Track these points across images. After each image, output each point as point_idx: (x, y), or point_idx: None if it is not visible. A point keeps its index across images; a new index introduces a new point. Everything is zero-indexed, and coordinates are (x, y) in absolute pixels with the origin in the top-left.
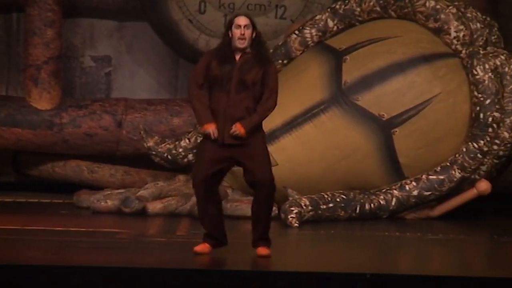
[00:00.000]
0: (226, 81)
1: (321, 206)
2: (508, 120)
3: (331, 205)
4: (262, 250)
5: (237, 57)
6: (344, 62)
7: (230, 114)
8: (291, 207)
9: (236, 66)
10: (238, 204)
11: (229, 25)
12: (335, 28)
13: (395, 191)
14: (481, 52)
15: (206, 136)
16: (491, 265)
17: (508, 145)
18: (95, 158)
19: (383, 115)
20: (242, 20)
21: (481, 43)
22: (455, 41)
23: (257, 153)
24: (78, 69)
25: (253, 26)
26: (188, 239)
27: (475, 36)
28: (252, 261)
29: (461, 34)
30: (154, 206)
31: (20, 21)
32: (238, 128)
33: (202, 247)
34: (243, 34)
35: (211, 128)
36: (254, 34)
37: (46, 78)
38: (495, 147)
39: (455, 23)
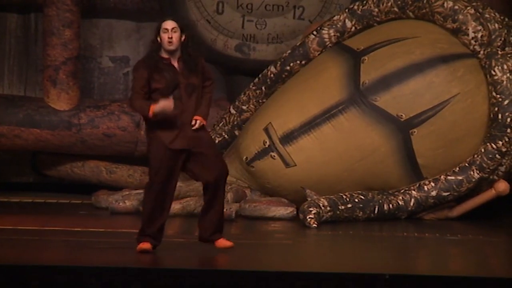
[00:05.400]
0: (172, 88)
1: (340, 207)
2: None
3: (349, 205)
4: (224, 242)
5: (174, 62)
6: (362, 63)
7: (186, 119)
8: (310, 207)
9: (178, 72)
10: (257, 205)
11: (157, 31)
12: (353, 28)
13: (413, 191)
14: (499, 52)
15: (160, 114)
16: (510, 265)
17: None
18: (114, 158)
19: (402, 115)
20: (169, 24)
21: (499, 44)
22: (473, 42)
23: (210, 150)
24: (96, 69)
25: (181, 29)
26: None
27: (493, 36)
28: (270, 262)
29: (479, 35)
30: (173, 207)
31: (38, 21)
32: (199, 119)
33: (147, 246)
34: (171, 37)
35: (162, 104)
36: (183, 38)
37: (64, 78)
38: None
39: (473, 24)
